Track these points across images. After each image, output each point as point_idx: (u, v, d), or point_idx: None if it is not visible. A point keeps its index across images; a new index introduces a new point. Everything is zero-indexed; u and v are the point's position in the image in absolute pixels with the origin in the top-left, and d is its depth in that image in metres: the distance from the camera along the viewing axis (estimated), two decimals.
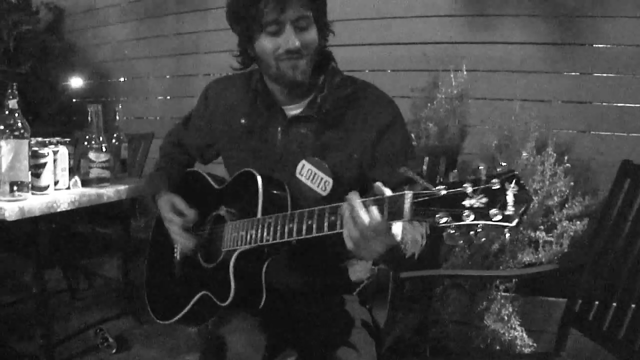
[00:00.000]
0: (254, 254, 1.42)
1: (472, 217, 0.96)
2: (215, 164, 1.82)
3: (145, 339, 2.98)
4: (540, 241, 2.58)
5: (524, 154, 2.62)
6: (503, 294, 2.61)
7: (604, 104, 2.91)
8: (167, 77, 4.34)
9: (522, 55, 3.01)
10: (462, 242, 1.00)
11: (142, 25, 4.37)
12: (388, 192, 1.12)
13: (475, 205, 0.96)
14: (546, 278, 2.58)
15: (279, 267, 1.46)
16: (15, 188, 2.04)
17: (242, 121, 1.61)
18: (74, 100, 4.67)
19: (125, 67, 4.54)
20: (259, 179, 1.45)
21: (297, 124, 1.55)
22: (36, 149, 2.17)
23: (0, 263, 3.50)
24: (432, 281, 2.15)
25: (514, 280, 2.60)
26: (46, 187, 2.20)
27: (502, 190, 0.95)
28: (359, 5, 3.37)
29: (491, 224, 0.95)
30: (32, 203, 2.08)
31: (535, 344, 2.54)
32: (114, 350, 2.82)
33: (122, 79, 4.60)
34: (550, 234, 2.59)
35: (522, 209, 0.94)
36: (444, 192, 1.00)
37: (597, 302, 1.84)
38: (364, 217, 1.12)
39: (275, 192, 1.47)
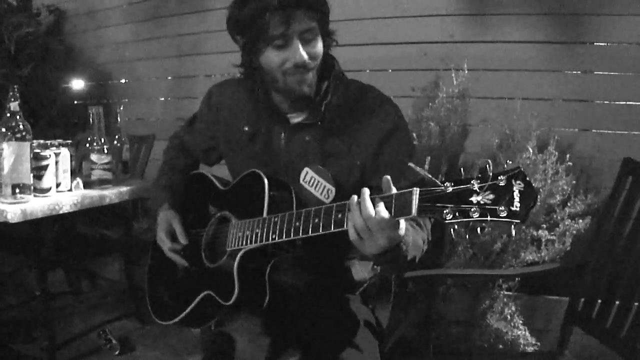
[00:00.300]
0: (259, 253, 1.43)
1: (478, 213, 0.98)
2: (221, 165, 1.82)
3: (148, 340, 2.98)
4: (543, 240, 2.57)
5: (525, 153, 2.62)
6: (506, 293, 2.61)
7: (605, 102, 2.91)
8: (169, 78, 4.34)
9: (524, 54, 3.01)
10: (467, 237, 1.03)
11: (143, 26, 4.37)
12: (394, 190, 1.14)
13: (482, 202, 0.98)
14: (549, 277, 2.59)
15: (282, 266, 1.46)
16: (17, 190, 2.05)
17: (245, 128, 1.61)
18: (75, 102, 4.67)
19: (126, 69, 4.54)
20: (265, 179, 1.45)
21: (300, 130, 1.54)
22: (38, 151, 2.17)
23: (3, 265, 3.50)
24: (434, 281, 2.15)
25: (516, 279, 2.59)
26: (48, 189, 2.20)
27: (509, 187, 0.96)
28: (360, 5, 3.37)
29: (497, 220, 0.96)
30: (35, 205, 2.09)
31: (538, 343, 2.53)
32: (117, 352, 2.82)
33: (123, 81, 4.60)
34: (553, 233, 2.58)
35: (528, 205, 0.95)
36: (450, 188, 1.01)
37: (599, 301, 1.84)
38: (370, 208, 1.13)
39: (280, 192, 1.46)
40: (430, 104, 2.92)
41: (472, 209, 0.98)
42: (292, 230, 1.32)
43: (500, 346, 2.54)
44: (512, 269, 2.53)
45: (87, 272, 3.71)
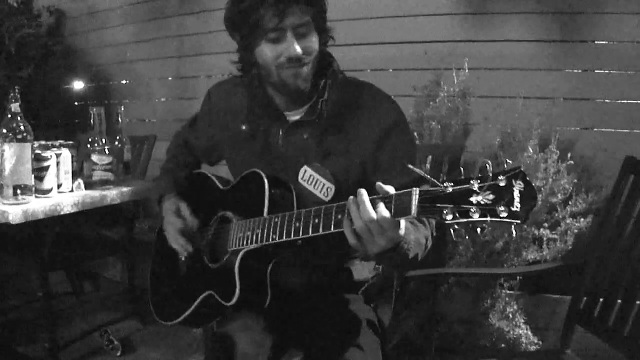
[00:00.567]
0: (260, 253, 1.43)
1: (478, 213, 0.97)
2: (222, 164, 1.82)
3: (150, 341, 2.98)
4: (545, 238, 2.57)
5: (527, 152, 2.62)
6: (508, 291, 2.61)
7: (606, 100, 2.90)
8: (169, 78, 4.34)
9: (524, 53, 3.01)
10: (467, 237, 1.03)
11: (144, 27, 4.37)
12: (391, 190, 1.13)
13: (481, 202, 0.98)
14: (550, 275, 2.58)
15: (283, 266, 1.46)
16: (18, 191, 2.05)
17: (243, 127, 1.61)
18: (76, 103, 4.68)
19: (127, 70, 4.54)
20: (265, 178, 1.45)
21: (298, 129, 1.54)
22: (39, 152, 2.17)
23: (5, 266, 3.50)
24: (436, 280, 2.15)
25: (518, 277, 2.59)
26: (49, 190, 2.20)
27: (509, 187, 0.96)
28: (360, 5, 3.36)
29: (498, 220, 0.96)
30: (36, 206, 2.09)
31: (540, 342, 2.53)
32: (119, 353, 2.82)
33: (124, 81, 4.60)
34: (554, 231, 2.58)
35: (528, 205, 0.95)
36: (450, 189, 1.01)
37: (601, 299, 1.84)
38: (370, 210, 1.13)
39: (281, 192, 1.47)
40: (431, 103, 2.92)
41: (472, 209, 0.98)
42: (292, 230, 1.32)
43: (503, 345, 2.54)
44: (513, 267, 2.53)
45: (89, 273, 3.72)
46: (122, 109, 2.84)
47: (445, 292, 2.62)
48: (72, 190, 2.35)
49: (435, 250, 1.49)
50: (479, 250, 2.58)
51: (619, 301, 1.78)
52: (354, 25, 3.33)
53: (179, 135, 1.91)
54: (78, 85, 4.59)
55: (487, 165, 0.99)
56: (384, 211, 1.12)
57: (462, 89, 2.88)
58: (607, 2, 2.84)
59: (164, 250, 1.74)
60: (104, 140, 2.45)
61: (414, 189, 1.07)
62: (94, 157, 2.44)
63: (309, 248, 1.42)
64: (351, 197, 1.18)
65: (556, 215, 2.62)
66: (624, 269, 1.80)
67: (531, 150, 2.62)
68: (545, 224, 2.59)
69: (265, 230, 1.39)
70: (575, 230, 2.56)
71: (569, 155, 2.63)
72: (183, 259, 1.67)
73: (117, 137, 2.74)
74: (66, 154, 2.31)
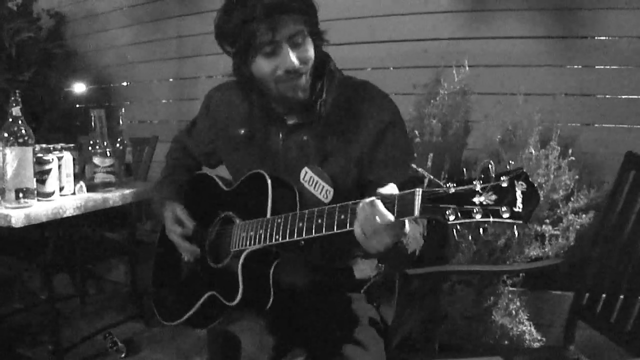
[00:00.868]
0: (263, 254, 1.43)
1: (481, 214, 0.98)
2: (223, 166, 1.82)
3: (154, 343, 2.99)
4: (547, 235, 2.57)
5: (528, 148, 2.62)
6: (510, 288, 2.60)
7: (607, 96, 2.90)
8: (170, 80, 4.35)
9: (524, 49, 3.01)
10: (470, 237, 1.02)
11: (144, 29, 4.37)
12: (394, 190, 1.13)
13: (484, 203, 0.98)
14: (553, 272, 2.58)
15: (286, 267, 1.46)
16: (20, 195, 2.05)
17: (242, 131, 1.61)
18: (77, 105, 4.68)
19: (127, 72, 4.54)
20: (269, 179, 1.45)
21: (297, 130, 1.54)
22: (41, 155, 2.18)
23: (8, 269, 3.51)
24: (439, 277, 2.15)
25: (521, 274, 2.59)
26: (51, 193, 2.21)
27: (511, 188, 0.96)
28: (360, 4, 3.36)
29: (500, 221, 0.96)
30: (38, 209, 2.09)
31: (543, 338, 2.53)
32: (123, 354, 2.83)
33: (124, 84, 4.60)
34: (556, 228, 2.58)
35: (531, 206, 0.95)
36: (453, 189, 1.01)
37: (604, 295, 1.84)
38: (387, 213, 1.12)
39: (284, 192, 1.47)
40: (431, 101, 2.92)
41: (475, 210, 0.98)
42: (296, 231, 1.32)
43: (506, 342, 2.54)
44: (516, 264, 2.53)
45: (92, 275, 3.72)
46: (123, 111, 2.85)
47: (448, 290, 2.62)
48: (74, 193, 2.35)
49: (438, 248, 1.49)
50: (481, 248, 2.58)
51: (622, 297, 1.78)
52: (355, 24, 3.32)
53: (178, 139, 1.91)
54: (79, 88, 4.59)
55: (490, 165, 0.99)
56: (387, 214, 1.12)
57: (463, 86, 2.88)
58: None
59: (166, 251, 1.74)
60: (105, 143, 2.45)
61: (417, 189, 1.07)
62: (96, 160, 2.45)
63: (312, 248, 1.42)
64: (364, 201, 1.17)
65: (558, 211, 2.62)
66: (626, 264, 1.80)
67: (532, 147, 2.62)
68: (547, 221, 2.59)
69: (269, 231, 1.39)
70: (577, 227, 2.56)
71: (570, 151, 2.62)
72: (186, 259, 1.67)
73: (119, 139, 2.74)
74: (68, 157, 2.31)
